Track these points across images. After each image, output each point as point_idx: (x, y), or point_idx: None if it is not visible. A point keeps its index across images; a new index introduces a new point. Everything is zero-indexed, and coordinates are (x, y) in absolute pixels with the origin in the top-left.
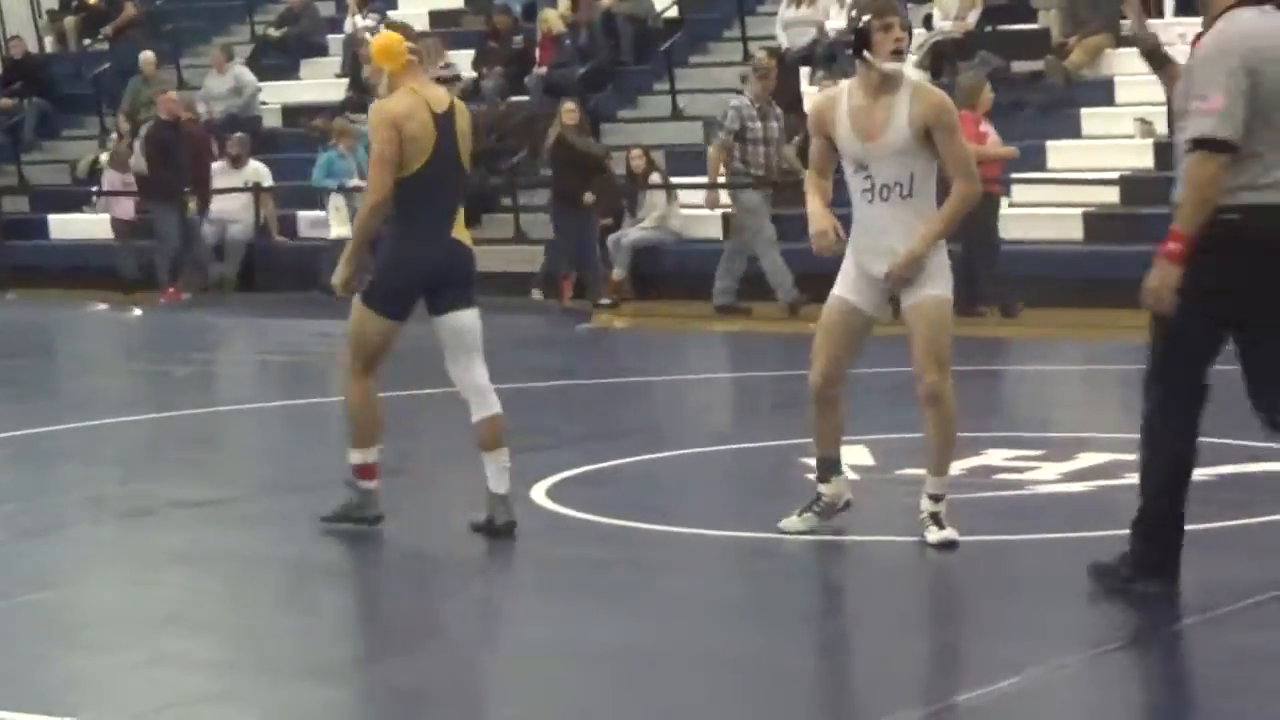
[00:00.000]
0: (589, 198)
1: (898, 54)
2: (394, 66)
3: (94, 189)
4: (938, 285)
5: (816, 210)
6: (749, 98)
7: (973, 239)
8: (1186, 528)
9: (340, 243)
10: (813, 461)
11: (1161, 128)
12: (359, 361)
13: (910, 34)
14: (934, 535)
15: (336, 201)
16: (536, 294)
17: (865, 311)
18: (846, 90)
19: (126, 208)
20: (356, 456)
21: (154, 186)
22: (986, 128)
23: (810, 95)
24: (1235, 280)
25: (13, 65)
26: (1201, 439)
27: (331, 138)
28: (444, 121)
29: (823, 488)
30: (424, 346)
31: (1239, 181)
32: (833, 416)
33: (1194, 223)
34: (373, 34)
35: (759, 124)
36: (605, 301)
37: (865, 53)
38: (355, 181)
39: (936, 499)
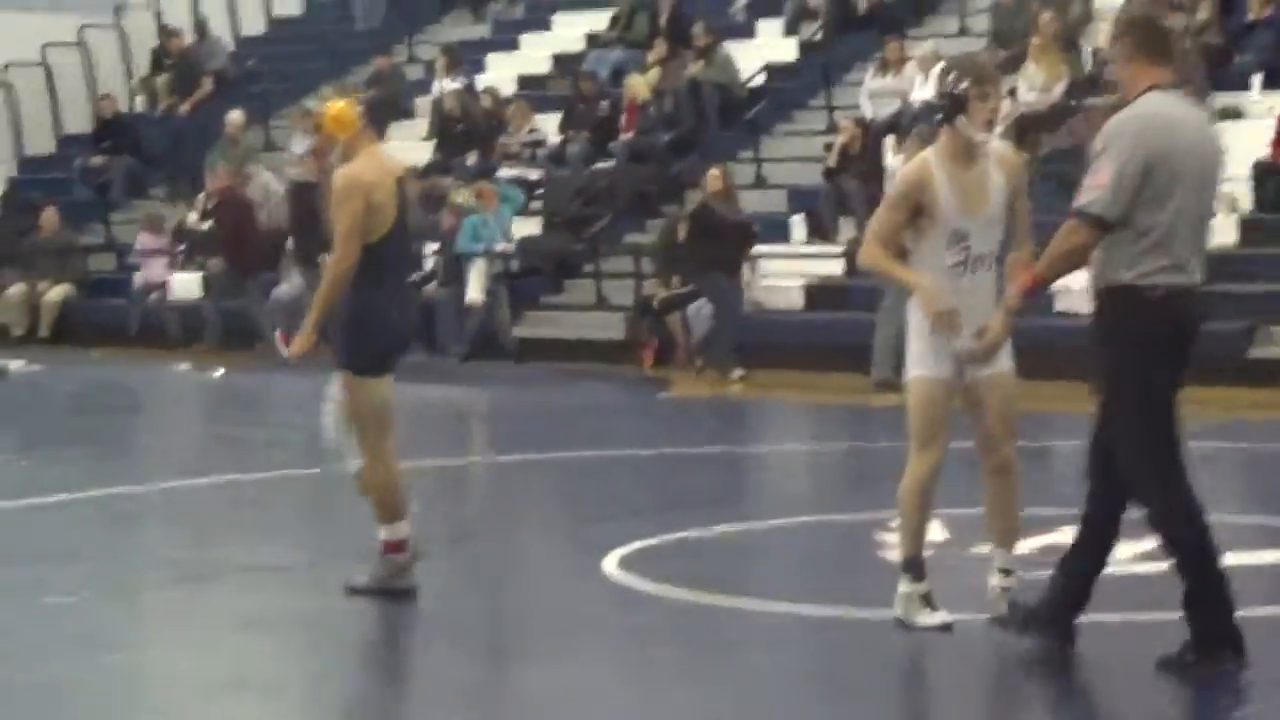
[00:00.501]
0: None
1: (990, 124)
2: (348, 134)
3: (180, 247)
4: (1010, 358)
5: (930, 285)
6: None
7: None
8: (1254, 612)
9: (476, 308)
10: (889, 537)
11: (1246, 203)
12: (370, 436)
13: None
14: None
15: (480, 266)
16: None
17: (955, 387)
18: (933, 160)
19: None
20: (385, 533)
21: (297, 247)
22: None
23: (894, 163)
24: (1162, 351)
25: (103, 124)
26: (1272, 521)
27: (475, 198)
28: (400, 188)
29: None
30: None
31: (1159, 264)
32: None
33: (1050, 276)
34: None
35: None
36: (739, 373)
37: (960, 118)
38: (501, 245)
39: (1008, 573)
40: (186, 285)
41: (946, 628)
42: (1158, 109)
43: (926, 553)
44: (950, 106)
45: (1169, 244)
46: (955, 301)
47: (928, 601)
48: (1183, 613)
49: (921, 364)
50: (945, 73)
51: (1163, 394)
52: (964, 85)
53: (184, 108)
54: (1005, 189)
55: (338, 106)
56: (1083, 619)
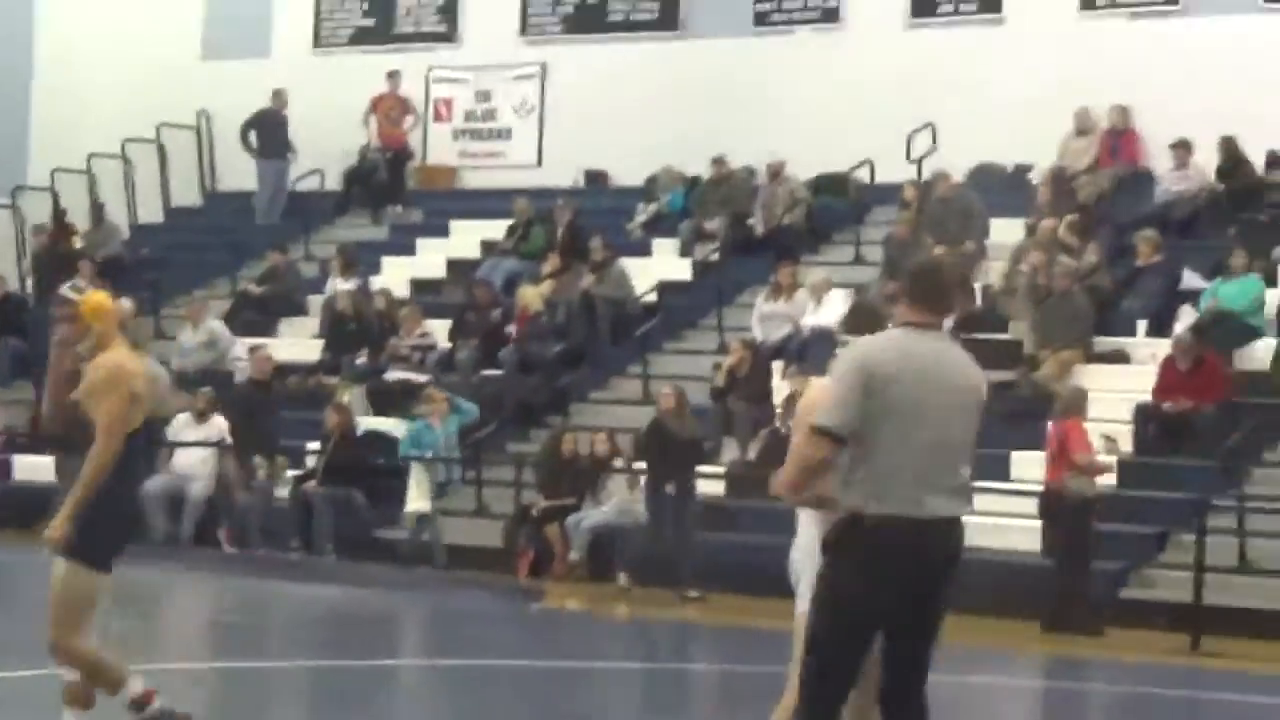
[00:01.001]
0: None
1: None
2: (105, 326)
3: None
4: None
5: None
6: None
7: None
8: None
9: (420, 517)
10: None
11: (1127, 445)
12: (72, 622)
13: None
14: None
15: (419, 475)
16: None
17: None
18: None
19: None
20: (129, 693)
21: (242, 444)
22: None
23: (780, 388)
24: (891, 585)
25: None
26: None
27: (425, 402)
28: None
29: None
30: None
31: (889, 490)
32: None
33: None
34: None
35: None
36: (694, 593)
37: None
38: (443, 453)
39: None
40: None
41: None
42: (887, 341)
43: None
44: None
45: (906, 471)
46: None
47: None
48: None
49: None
50: (843, 320)
51: (863, 620)
52: (847, 339)
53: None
54: None
55: (97, 296)
56: None
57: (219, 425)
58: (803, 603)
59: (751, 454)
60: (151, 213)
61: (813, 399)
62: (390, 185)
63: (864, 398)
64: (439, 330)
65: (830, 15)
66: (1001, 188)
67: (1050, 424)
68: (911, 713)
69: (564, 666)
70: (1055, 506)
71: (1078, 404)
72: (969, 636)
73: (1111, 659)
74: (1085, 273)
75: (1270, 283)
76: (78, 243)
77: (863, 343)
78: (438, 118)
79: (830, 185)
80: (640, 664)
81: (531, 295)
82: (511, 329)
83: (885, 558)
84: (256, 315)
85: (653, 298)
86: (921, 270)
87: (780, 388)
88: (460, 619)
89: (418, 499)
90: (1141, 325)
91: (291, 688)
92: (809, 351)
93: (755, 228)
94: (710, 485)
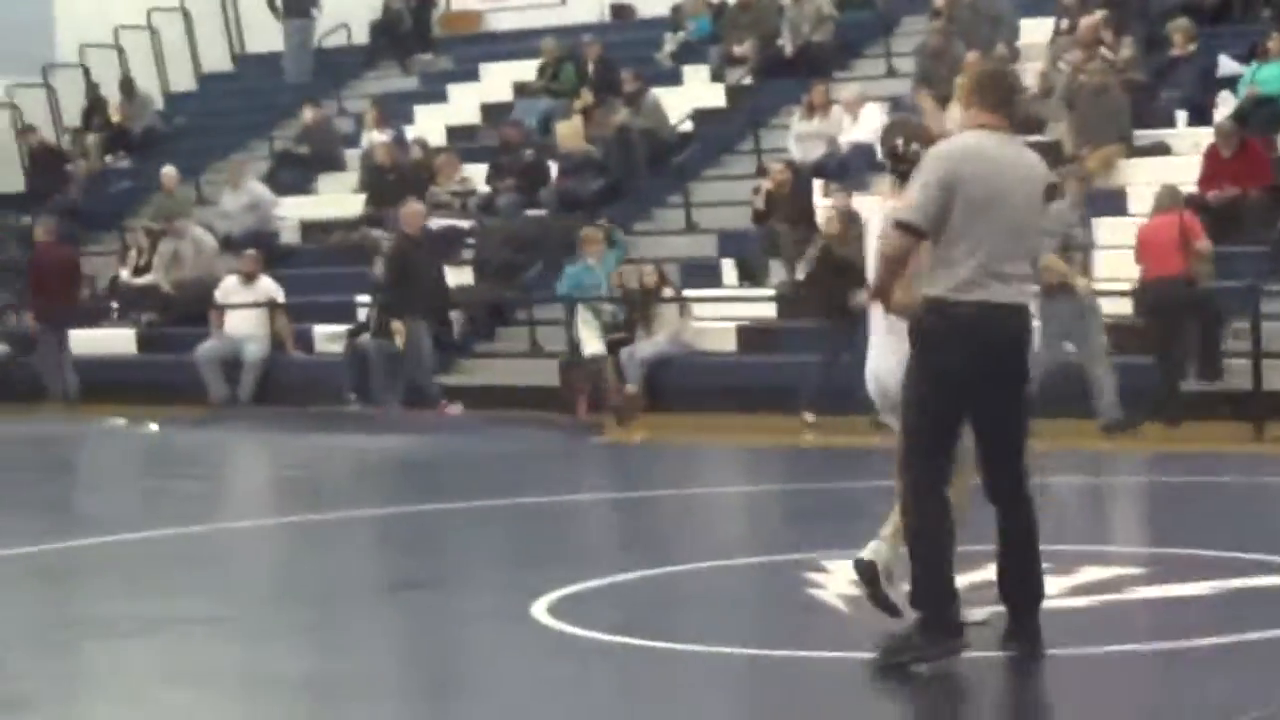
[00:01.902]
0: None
1: None
2: None
3: (114, 303)
4: None
5: None
6: (1068, 204)
7: None
8: (1177, 644)
9: (597, 358)
10: (819, 577)
11: None
12: None
13: None
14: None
15: (585, 315)
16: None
17: None
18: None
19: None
20: None
21: (397, 301)
22: None
23: (823, 207)
24: (974, 365)
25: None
26: (1197, 552)
27: (580, 246)
28: None
29: None
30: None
31: (968, 278)
32: None
33: (883, 281)
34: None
35: (1079, 230)
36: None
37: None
38: (602, 292)
39: None
40: (120, 341)
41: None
42: (968, 142)
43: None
44: (906, 167)
45: (979, 262)
46: None
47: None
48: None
49: None
50: (891, 134)
51: (951, 394)
52: (915, 148)
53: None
54: None
55: None
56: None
57: (267, 286)
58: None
59: (799, 274)
60: (182, 81)
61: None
62: (417, 34)
63: (947, 195)
64: (477, 175)
65: None
66: None
67: (1145, 224)
68: (1020, 503)
69: (630, 498)
70: (1169, 301)
71: (1177, 197)
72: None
73: (1181, 450)
74: (1122, 67)
75: None
76: (115, 115)
77: (945, 145)
78: None
79: None
80: (699, 490)
81: (570, 132)
82: (552, 166)
83: (964, 338)
84: (295, 173)
85: (688, 126)
86: (989, 76)
87: (823, 206)
88: (525, 459)
89: (591, 340)
90: (1181, 116)
91: (357, 536)
92: (849, 167)
93: (784, 48)
94: (758, 309)
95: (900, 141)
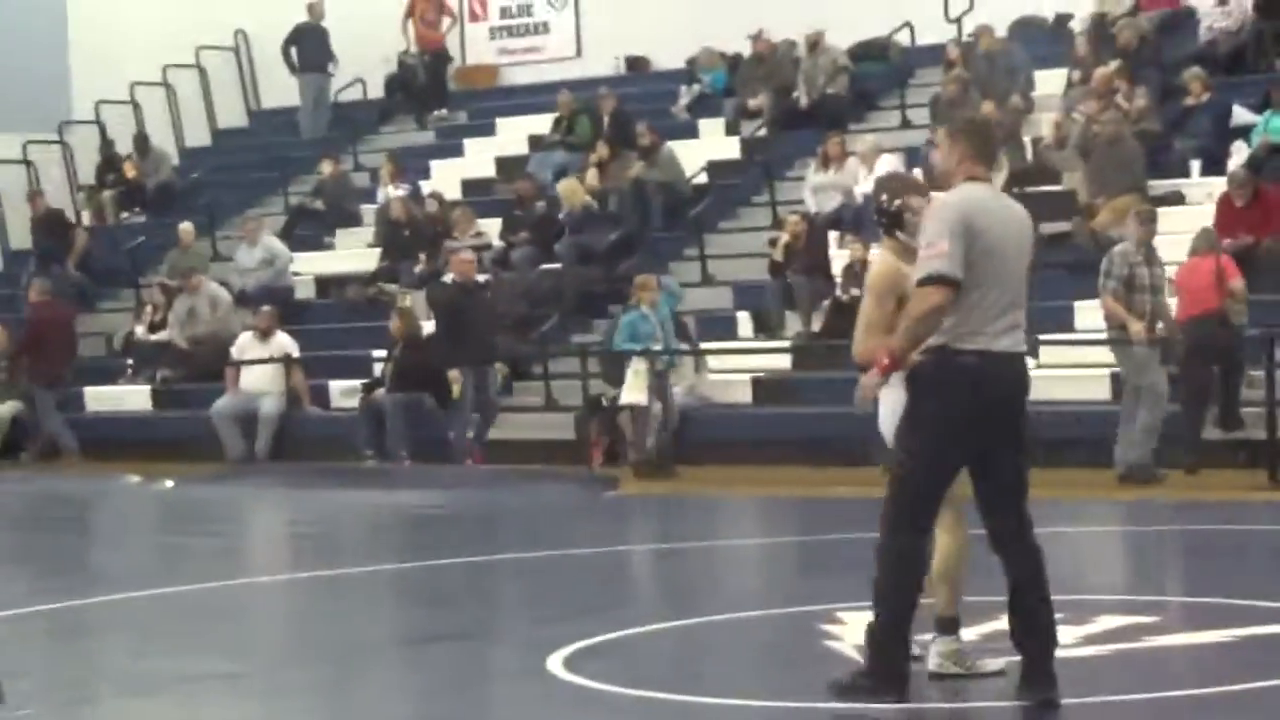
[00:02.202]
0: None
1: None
2: None
3: (128, 360)
4: None
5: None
6: (1132, 244)
7: None
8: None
9: (641, 409)
10: (836, 629)
11: None
12: None
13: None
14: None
15: (637, 365)
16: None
17: None
18: (891, 259)
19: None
20: None
21: (451, 351)
22: None
23: (839, 257)
24: (974, 414)
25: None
26: (1218, 601)
27: (631, 297)
28: None
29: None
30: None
31: (969, 328)
32: None
33: (911, 343)
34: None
35: (1145, 270)
36: None
37: (898, 233)
38: (657, 345)
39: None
40: (135, 398)
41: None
42: (975, 193)
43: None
44: (889, 222)
45: (986, 312)
46: None
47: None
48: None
49: None
50: (878, 191)
51: (958, 449)
52: (897, 203)
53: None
54: None
55: None
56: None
57: (282, 342)
58: None
59: (815, 325)
60: (198, 137)
61: (882, 267)
62: (432, 88)
63: (965, 244)
64: (492, 229)
65: None
66: (1043, 39)
67: (1182, 265)
68: (1025, 550)
69: (645, 550)
70: (1206, 340)
71: (1213, 239)
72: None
73: (1189, 498)
74: (1136, 117)
75: None
76: (130, 172)
77: (956, 196)
78: (473, 17)
79: (871, 51)
80: (714, 542)
81: (572, 189)
82: (563, 220)
83: (965, 387)
84: (311, 229)
85: (703, 179)
86: (981, 126)
87: (838, 257)
88: (540, 513)
89: (634, 390)
90: (1195, 165)
91: (372, 591)
92: (864, 219)
93: (799, 100)
94: (774, 360)
95: (885, 197)
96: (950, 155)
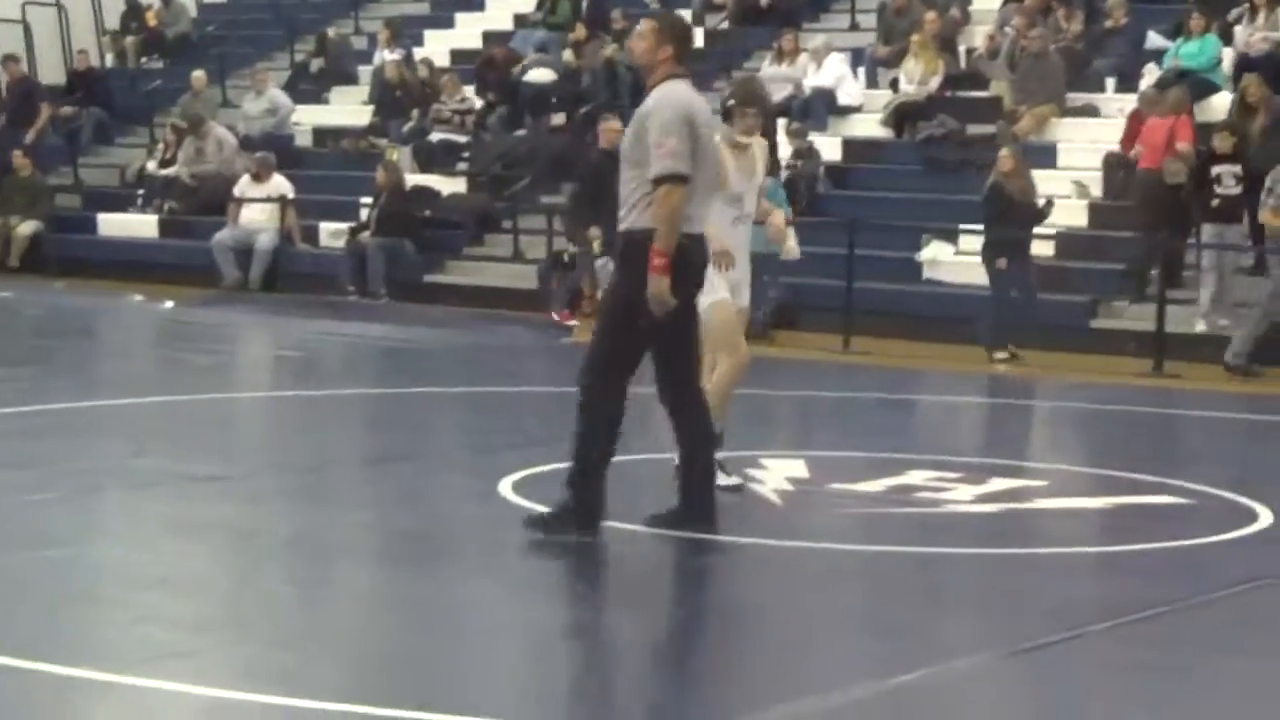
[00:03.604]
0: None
1: (749, 131)
2: None
3: (140, 191)
4: (747, 299)
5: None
6: None
7: None
8: (1077, 549)
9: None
10: (757, 473)
11: (1096, 190)
12: None
13: (763, 120)
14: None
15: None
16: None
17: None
18: (720, 143)
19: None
20: None
21: (591, 210)
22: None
23: (784, 142)
24: (676, 288)
25: (76, 77)
26: (1096, 471)
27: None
28: None
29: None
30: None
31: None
32: None
33: (671, 241)
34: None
35: None
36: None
37: (728, 124)
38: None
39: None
40: (144, 226)
41: (737, 489)
42: (686, 90)
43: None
44: (724, 115)
45: (693, 200)
46: (731, 245)
47: (720, 466)
48: (567, 487)
49: (719, 289)
50: (727, 91)
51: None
52: (730, 104)
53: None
54: (763, 170)
55: None
56: (933, 550)
57: (279, 184)
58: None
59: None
60: None
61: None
62: None
63: (689, 143)
64: (477, 95)
65: None
66: None
67: (1145, 122)
68: (693, 404)
69: None
70: (1148, 189)
71: (1184, 103)
72: (964, 364)
73: (1082, 381)
74: (1072, 38)
75: (1226, 41)
76: (151, 21)
77: (677, 96)
78: None
79: None
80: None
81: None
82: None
83: (677, 266)
84: (312, 84)
85: None
86: (683, 28)
87: (784, 142)
88: (499, 352)
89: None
90: (1110, 82)
91: (346, 412)
92: (810, 109)
93: None
94: None
95: (728, 93)
96: (655, 49)
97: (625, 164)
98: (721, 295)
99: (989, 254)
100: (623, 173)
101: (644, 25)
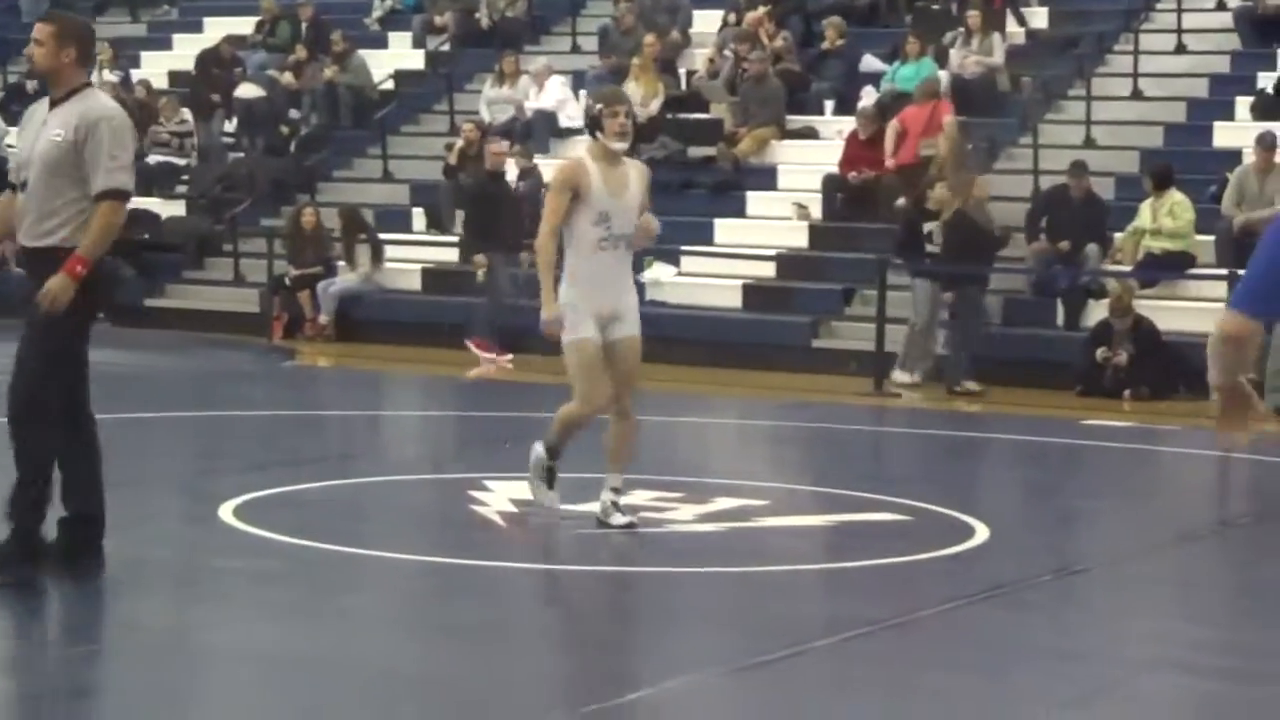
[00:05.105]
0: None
1: (621, 135)
2: None
3: None
4: (637, 326)
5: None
6: (1254, 168)
7: None
8: (799, 567)
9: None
10: (483, 495)
11: (816, 212)
12: None
13: (634, 120)
14: (618, 520)
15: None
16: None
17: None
18: (587, 159)
19: None
20: None
21: (480, 237)
22: None
23: (508, 166)
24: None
25: None
26: (818, 489)
27: None
28: None
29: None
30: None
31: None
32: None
33: (101, 250)
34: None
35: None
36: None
37: (598, 133)
38: None
39: (616, 490)
40: None
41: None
42: (113, 101)
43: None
44: (591, 124)
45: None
46: (595, 270)
47: (550, 475)
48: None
49: (581, 329)
50: (589, 99)
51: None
52: (598, 108)
53: None
54: (640, 189)
55: None
56: (656, 569)
57: None
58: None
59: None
60: None
61: (562, 164)
62: None
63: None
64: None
65: None
66: None
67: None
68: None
69: (316, 415)
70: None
71: (935, 90)
72: (687, 385)
73: (802, 400)
74: (776, 56)
75: (942, 64)
76: None
77: (105, 106)
78: None
79: None
80: (380, 412)
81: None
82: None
83: (104, 280)
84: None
85: (390, 85)
86: (89, 33)
87: (508, 165)
88: (220, 377)
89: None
90: (829, 105)
91: None
92: (531, 131)
93: (481, 21)
94: (443, 253)
95: (591, 102)
96: (57, 54)
97: (53, 172)
98: (583, 335)
99: (945, 284)
100: (48, 181)
101: (40, 30)
